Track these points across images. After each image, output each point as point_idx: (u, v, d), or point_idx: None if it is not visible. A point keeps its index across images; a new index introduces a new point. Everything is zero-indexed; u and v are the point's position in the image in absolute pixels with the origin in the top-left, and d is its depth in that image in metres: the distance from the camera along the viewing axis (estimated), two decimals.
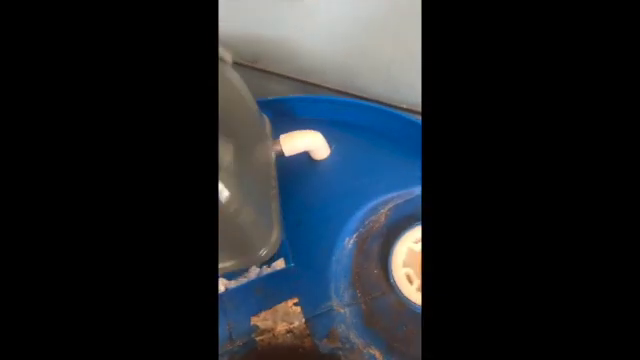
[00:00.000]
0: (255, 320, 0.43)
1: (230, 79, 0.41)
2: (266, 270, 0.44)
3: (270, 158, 0.46)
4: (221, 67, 0.39)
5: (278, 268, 0.44)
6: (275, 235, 0.42)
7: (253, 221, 0.37)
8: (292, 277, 0.44)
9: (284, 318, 0.43)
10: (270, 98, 0.57)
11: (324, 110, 0.56)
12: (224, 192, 0.31)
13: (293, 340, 0.42)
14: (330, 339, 0.41)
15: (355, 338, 0.40)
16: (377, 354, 0.39)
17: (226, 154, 0.33)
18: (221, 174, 0.31)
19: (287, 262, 0.44)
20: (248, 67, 0.62)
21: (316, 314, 0.42)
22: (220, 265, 0.41)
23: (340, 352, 0.40)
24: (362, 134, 0.54)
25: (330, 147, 0.51)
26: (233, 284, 0.44)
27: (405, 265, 0.42)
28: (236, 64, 0.54)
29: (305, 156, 0.51)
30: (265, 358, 0.41)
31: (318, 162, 0.51)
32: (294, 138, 0.47)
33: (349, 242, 0.45)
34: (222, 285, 0.44)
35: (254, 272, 0.44)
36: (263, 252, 0.41)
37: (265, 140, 0.46)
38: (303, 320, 0.42)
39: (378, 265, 0.43)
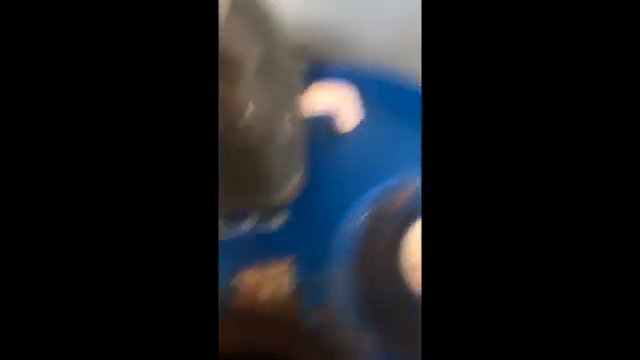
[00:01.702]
0: (240, 276, 0.38)
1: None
2: (263, 225, 0.40)
3: (299, 100, 0.41)
4: None
5: (278, 223, 0.40)
6: (298, 178, 0.37)
7: (280, 150, 0.32)
8: (290, 236, 0.40)
9: (273, 279, 0.38)
10: None
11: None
12: (250, 106, 0.27)
13: (276, 306, 0.37)
14: (319, 312, 0.37)
15: (347, 318, 0.36)
16: (369, 340, 0.35)
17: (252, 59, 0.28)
18: (247, 83, 0.26)
19: (289, 218, 0.40)
20: None
21: (310, 280, 0.37)
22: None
23: (326, 329, 0.36)
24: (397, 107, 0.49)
25: (361, 112, 0.47)
26: (224, 236, 0.40)
27: (416, 254, 0.38)
28: None
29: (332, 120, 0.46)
30: (243, 321, 0.37)
31: (345, 127, 0.46)
32: (325, 88, 0.43)
33: (361, 217, 0.40)
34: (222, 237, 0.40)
35: (249, 225, 0.40)
36: (284, 193, 0.36)
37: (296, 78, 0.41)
38: (294, 284, 0.37)
39: (388, 248, 0.39)
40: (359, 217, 0.40)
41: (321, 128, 0.45)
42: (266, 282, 0.38)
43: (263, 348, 0.35)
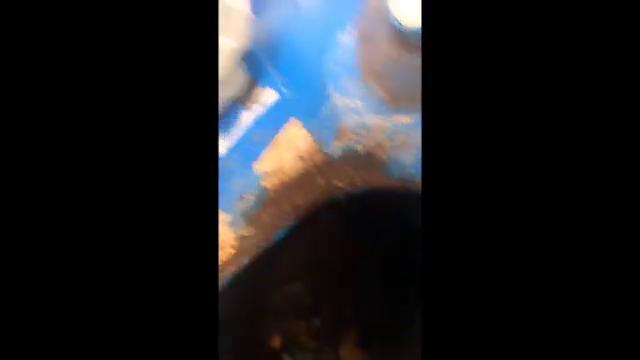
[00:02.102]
0: (258, 166, 0.34)
1: None
2: (258, 109, 0.36)
3: None
4: None
5: (270, 101, 0.36)
6: None
7: None
8: (287, 104, 0.35)
9: (288, 147, 0.33)
10: None
11: None
12: None
13: (304, 165, 0.32)
14: (340, 138, 0.30)
15: (374, 119, 0.29)
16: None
17: None
18: None
19: (278, 90, 0.36)
20: None
21: (317, 119, 0.32)
22: None
23: (357, 145, 0.29)
24: None
25: None
26: (232, 142, 0.37)
27: None
28: None
29: None
30: (282, 201, 0.32)
31: None
32: None
33: (346, 35, 0.34)
34: (223, 148, 0.37)
35: (248, 117, 0.37)
36: None
37: None
38: (309, 138, 0.32)
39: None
40: (341, 38, 0.34)
41: None
42: (284, 151, 0.33)
43: None
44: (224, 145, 0.35)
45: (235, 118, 0.36)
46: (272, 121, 0.34)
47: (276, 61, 0.35)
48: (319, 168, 0.30)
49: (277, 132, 0.32)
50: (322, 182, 0.31)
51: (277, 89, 0.35)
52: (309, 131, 0.32)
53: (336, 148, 0.30)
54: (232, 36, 0.28)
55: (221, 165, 0.32)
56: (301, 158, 0.31)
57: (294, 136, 0.32)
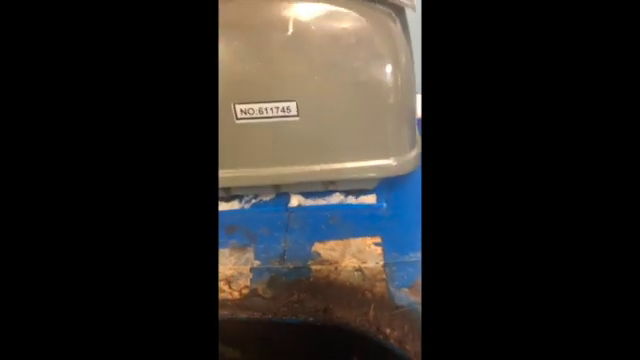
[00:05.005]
0: (319, 247, 0.34)
1: None
2: (350, 200, 0.36)
3: None
4: None
5: (366, 203, 0.36)
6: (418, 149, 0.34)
7: (411, 109, 0.30)
8: (378, 216, 0.35)
9: (356, 255, 0.33)
10: None
11: None
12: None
13: (361, 281, 0.31)
14: (413, 290, 0.30)
15: None
16: None
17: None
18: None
19: (378, 199, 0.36)
20: None
21: (400, 261, 0.32)
22: (357, 164, 0.32)
23: (415, 307, 0.29)
24: None
25: None
26: (309, 202, 0.36)
27: None
28: None
29: None
30: (317, 291, 0.31)
31: None
32: None
33: None
34: (295, 201, 0.36)
35: (337, 198, 0.36)
36: (413, 154, 0.32)
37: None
38: (381, 262, 0.32)
39: None
40: None
41: None
42: (350, 254, 0.33)
43: (343, 317, 0.29)
44: None
45: None
46: None
47: None
48: None
49: None
50: None
51: None
52: None
53: None
54: None
55: None
56: None
57: None
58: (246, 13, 0.26)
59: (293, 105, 0.28)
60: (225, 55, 0.27)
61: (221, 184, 0.33)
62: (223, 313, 0.30)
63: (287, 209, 0.36)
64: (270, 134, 0.30)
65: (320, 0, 0.25)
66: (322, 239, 0.34)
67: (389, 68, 0.27)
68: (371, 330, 0.28)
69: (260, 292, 0.31)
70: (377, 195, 0.36)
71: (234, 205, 0.37)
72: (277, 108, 0.28)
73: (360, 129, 0.30)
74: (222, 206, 0.37)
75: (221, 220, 0.35)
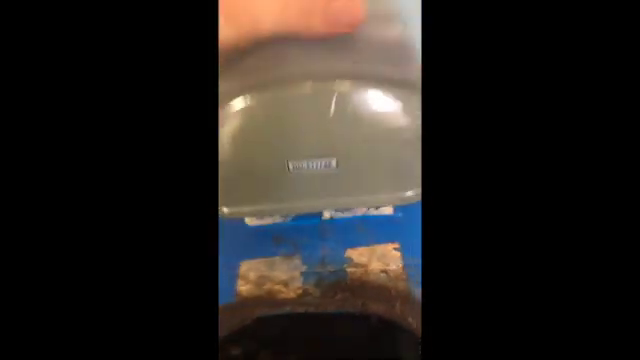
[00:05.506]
0: (351, 252, 0.42)
1: None
2: (372, 211, 0.45)
3: None
4: None
5: (385, 213, 0.45)
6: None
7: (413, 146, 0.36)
8: (396, 225, 0.44)
9: (380, 258, 0.42)
10: None
11: None
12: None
13: (386, 281, 0.41)
14: None
15: None
16: None
17: None
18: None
19: (395, 211, 0.45)
20: None
21: (416, 263, 0.41)
22: (383, 196, 0.39)
23: None
24: None
25: None
26: (339, 215, 0.45)
27: None
28: None
29: None
30: (352, 291, 0.40)
31: None
32: None
33: None
34: (327, 214, 0.45)
35: (361, 210, 0.45)
36: (410, 193, 0.39)
37: None
38: (400, 265, 0.41)
39: None
40: None
41: None
42: (376, 258, 0.42)
43: (377, 310, 0.38)
44: None
45: None
46: None
47: None
48: None
49: None
50: None
51: None
52: None
53: None
54: None
55: None
56: None
57: None
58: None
59: (334, 160, 0.35)
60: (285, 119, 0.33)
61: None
62: (285, 309, 0.39)
63: (321, 221, 0.44)
64: (316, 179, 0.37)
65: (370, 86, 0.32)
66: (353, 245, 0.43)
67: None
68: (398, 320, 0.38)
69: (310, 292, 0.40)
70: (393, 206, 0.45)
71: (276, 219, 0.45)
72: (320, 163, 0.35)
73: (388, 173, 0.38)
74: (266, 220, 0.45)
75: (268, 231, 0.43)
